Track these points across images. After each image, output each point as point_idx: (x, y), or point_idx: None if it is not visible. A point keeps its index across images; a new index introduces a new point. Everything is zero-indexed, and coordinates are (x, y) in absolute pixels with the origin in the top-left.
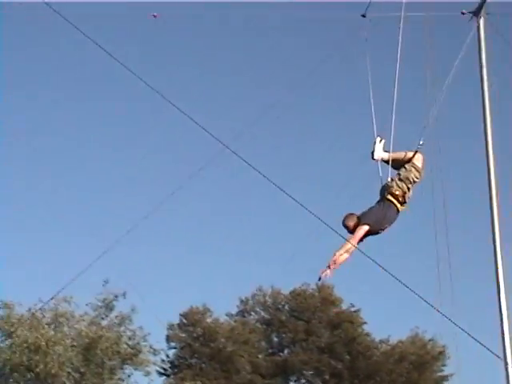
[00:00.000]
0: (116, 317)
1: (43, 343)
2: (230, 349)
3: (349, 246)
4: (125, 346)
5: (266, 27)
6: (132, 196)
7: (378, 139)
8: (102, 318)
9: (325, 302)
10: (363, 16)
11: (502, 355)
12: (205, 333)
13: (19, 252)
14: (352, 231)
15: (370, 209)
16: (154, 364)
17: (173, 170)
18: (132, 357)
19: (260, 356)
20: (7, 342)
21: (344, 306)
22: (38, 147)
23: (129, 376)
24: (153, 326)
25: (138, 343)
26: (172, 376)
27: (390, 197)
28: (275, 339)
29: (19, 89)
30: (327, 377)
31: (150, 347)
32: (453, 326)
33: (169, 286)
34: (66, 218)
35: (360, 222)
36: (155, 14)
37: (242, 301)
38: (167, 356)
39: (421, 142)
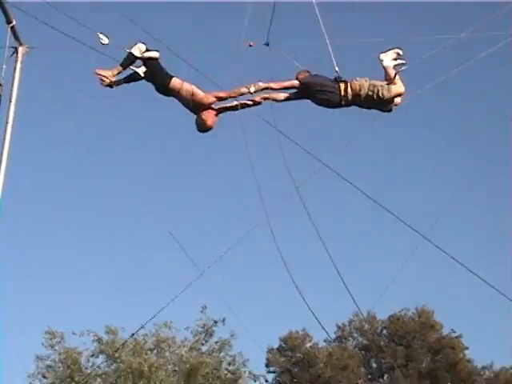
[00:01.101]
0: (216, 342)
1: (146, 368)
2: (328, 374)
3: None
4: (225, 371)
5: None
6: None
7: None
8: (202, 344)
9: (424, 326)
10: None
11: None
12: (304, 358)
13: (121, 277)
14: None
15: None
16: None
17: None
18: (232, 382)
19: (359, 382)
20: (112, 367)
21: (444, 331)
22: None
23: None
24: (252, 352)
25: (238, 368)
26: None
27: (341, 83)
28: (374, 365)
29: None
30: None
31: (250, 373)
32: None
33: (268, 310)
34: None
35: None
36: (251, 42)
37: (339, 327)
38: (266, 381)
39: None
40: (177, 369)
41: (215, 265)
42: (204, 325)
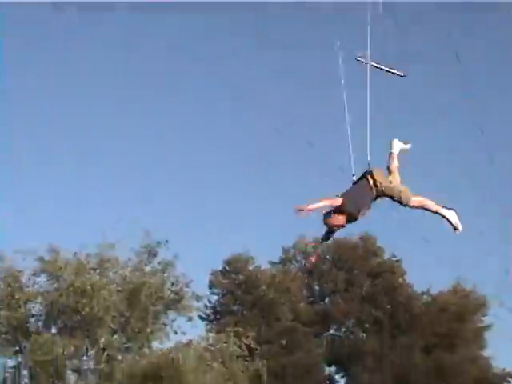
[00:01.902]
0: (159, 263)
1: (89, 287)
2: (271, 296)
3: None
4: (168, 291)
5: None
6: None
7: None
8: (146, 265)
9: (367, 252)
10: None
11: None
12: (247, 280)
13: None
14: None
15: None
16: (197, 310)
17: None
18: (175, 302)
19: (301, 304)
20: (54, 286)
21: (386, 256)
22: None
23: (172, 321)
24: (196, 274)
25: (181, 289)
26: (214, 322)
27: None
28: (316, 288)
29: None
30: (368, 326)
31: (193, 293)
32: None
33: (212, 233)
34: (113, 166)
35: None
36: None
37: (284, 250)
38: (210, 302)
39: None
40: (120, 289)
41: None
42: (148, 245)
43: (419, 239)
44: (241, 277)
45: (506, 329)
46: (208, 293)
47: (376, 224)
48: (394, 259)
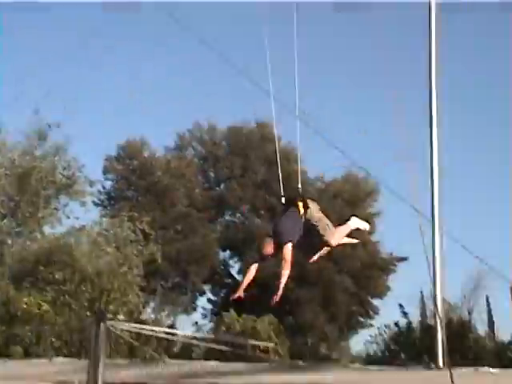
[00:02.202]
0: (50, 147)
1: None
2: (166, 182)
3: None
4: (60, 176)
5: None
6: None
7: None
8: (36, 148)
9: (263, 139)
10: None
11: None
12: (142, 166)
13: None
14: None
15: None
16: (90, 195)
17: None
18: (67, 187)
19: (196, 190)
20: None
21: (282, 144)
22: None
23: (64, 206)
24: (89, 158)
25: (74, 174)
26: (108, 207)
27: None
28: (212, 174)
29: None
30: (262, 212)
31: (86, 178)
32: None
33: (107, 117)
34: None
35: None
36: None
37: (179, 136)
38: (103, 187)
39: None
40: (8, 173)
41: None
42: (38, 128)
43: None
44: (135, 162)
45: (393, 215)
46: (102, 178)
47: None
48: (289, 147)
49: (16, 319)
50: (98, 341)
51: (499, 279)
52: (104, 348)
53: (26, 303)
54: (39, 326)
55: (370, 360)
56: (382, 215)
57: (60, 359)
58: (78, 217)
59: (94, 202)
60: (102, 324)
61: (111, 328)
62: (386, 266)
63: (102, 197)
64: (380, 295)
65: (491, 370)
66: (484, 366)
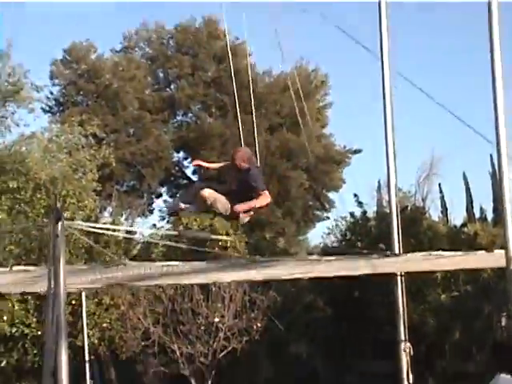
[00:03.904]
0: None
1: None
2: (115, 85)
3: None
4: (5, 83)
5: None
6: None
7: None
8: None
9: (211, 35)
10: None
11: None
12: (89, 69)
13: None
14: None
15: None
16: (38, 101)
17: None
18: (13, 94)
19: (146, 92)
20: None
21: (230, 39)
22: None
23: (12, 113)
24: (34, 64)
25: (19, 80)
26: (58, 114)
27: None
28: (161, 75)
29: None
30: (213, 110)
31: (32, 84)
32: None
33: (51, 21)
34: None
35: None
36: None
37: (125, 37)
38: (51, 93)
39: None
40: None
41: None
42: None
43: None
44: (83, 66)
45: (345, 107)
46: (49, 84)
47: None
48: (237, 42)
49: None
50: (56, 242)
51: (451, 166)
52: (63, 249)
53: None
54: None
55: (327, 251)
56: (334, 107)
57: (21, 267)
58: (27, 124)
59: (42, 109)
60: (59, 223)
61: (69, 229)
62: (340, 159)
63: (51, 103)
64: (335, 188)
65: (445, 253)
66: (438, 249)
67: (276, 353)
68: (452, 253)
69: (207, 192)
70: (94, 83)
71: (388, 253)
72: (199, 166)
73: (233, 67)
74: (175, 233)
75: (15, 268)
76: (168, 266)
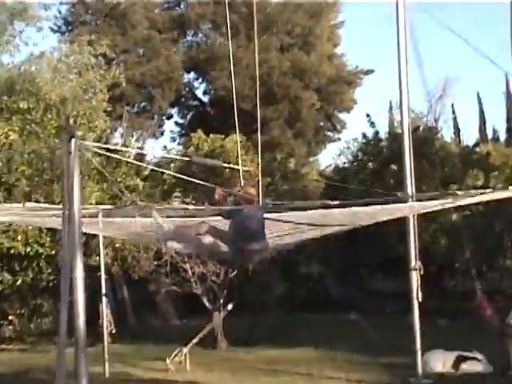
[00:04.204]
0: None
1: None
2: (124, 5)
3: None
4: (12, 0)
5: None
6: None
7: None
8: None
9: None
10: None
11: None
12: None
13: None
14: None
15: None
16: (46, 20)
17: None
18: (21, 12)
19: (156, 11)
20: None
21: None
22: None
23: (20, 32)
24: None
25: None
26: (66, 33)
27: None
28: None
29: None
30: (224, 30)
31: (40, 2)
32: None
33: None
34: None
35: None
36: None
37: None
38: (59, 12)
39: None
40: None
41: None
42: None
43: None
44: None
45: (358, 26)
46: (57, 2)
47: None
48: None
49: None
50: (70, 159)
51: (465, 88)
52: (77, 166)
53: None
54: (9, 155)
55: (338, 171)
56: (345, 25)
57: (34, 204)
58: (36, 43)
59: (51, 29)
60: (72, 140)
61: (81, 148)
62: (351, 80)
63: (59, 22)
64: (347, 109)
65: (458, 192)
66: (450, 184)
67: (287, 272)
68: (472, 191)
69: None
70: (103, 2)
71: (402, 197)
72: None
73: None
74: (186, 159)
75: (28, 204)
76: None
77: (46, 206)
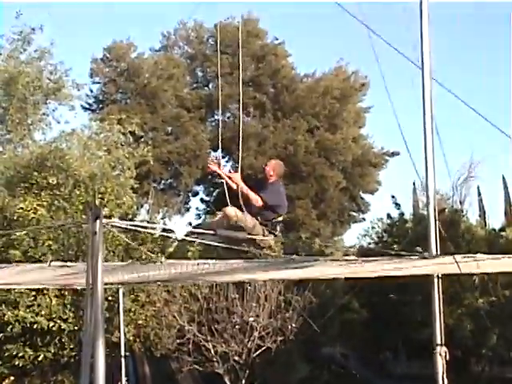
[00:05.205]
0: (35, 51)
1: None
2: (154, 84)
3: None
4: (46, 80)
5: None
6: None
7: None
8: (21, 53)
9: (249, 35)
10: None
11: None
12: (129, 68)
13: None
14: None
15: None
16: (78, 99)
17: None
18: (55, 91)
19: (185, 90)
20: None
21: (268, 40)
22: None
23: (53, 111)
24: (75, 61)
25: (60, 78)
26: (97, 111)
27: None
28: (200, 74)
29: None
30: (251, 110)
31: (73, 82)
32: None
33: (92, 21)
34: None
35: None
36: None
37: (164, 36)
38: (91, 91)
39: None
40: None
41: None
42: (21, 32)
43: (303, 17)
44: (122, 65)
45: (384, 110)
46: (89, 81)
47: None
48: (276, 42)
49: (13, 224)
50: (94, 239)
51: (490, 170)
52: (102, 246)
53: (21, 208)
54: (36, 230)
55: (363, 253)
56: (373, 110)
57: (59, 263)
58: (67, 121)
59: (82, 107)
60: (98, 220)
61: (107, 227)
62: (377, 162)
63: (90, 100)
64: (371, 191)
65: (483, 256)
66: (477, 253)
67: (310, 353)
68: (492, 256)
69: (232, 210)
70: (133, 81)
71: (426, 254)
72: (214, 171)
73: (271, 67)
74: (211, 232)
75: (54, 263)
76: (204, 263)
77: (71, 264)
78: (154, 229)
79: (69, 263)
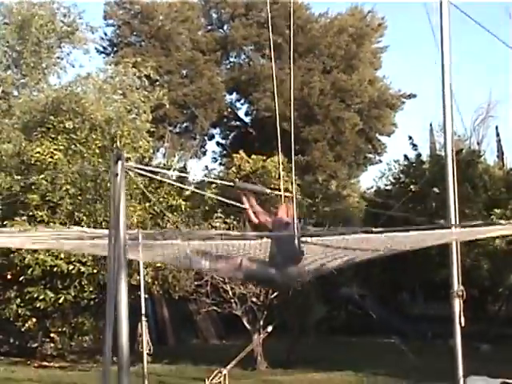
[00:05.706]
0: None
1: None
2: (168, 26)
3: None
4: (60, 23)
5: None
6: None
7: None
8: None
9: None
10: None
11: None
12: (143, 10)
13: None
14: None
15: None
16: (93, 42)
17: None
18: (69, 35)
19: (200, 33)
20: None
21: None
22: None
23: (68, 54)
24: (89, 4)
25: (74, 21)
26: (112, 54)
27: None
28: (214, 15)
29: None
30: (266, 51)
31: (87, 25)
32: None
33: None
34: None
35: None
36: None
37: None
38: (105, 34)
39: None
40: (8, 21)
41: None
42: None
43: None
44: (136, 7)
45: (402, 49)
46: (103, 24)
47: None
48: None
49: (31, 168)
50: (116, 181)
51: (509, 110)
52: (123, 187)
53: (38, 152)
54: (53, 174)
55: (380, 193)
56: (389, 50)
57: (79, 228)
58: (82, 65)
59: (97, 50)
60: (119, 162)
61: (132, 169)
62: (394, 104)
63: (105, 44)
64: (388, 133)
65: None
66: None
67: (327, 294)
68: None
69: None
70: (148, 24)
71: (444, 224)
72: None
73: (286, 8)
74: (230, 184)
75: (75, 228)
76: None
77: (91, 231)
78: (173, 171)
79: (88, 229)
